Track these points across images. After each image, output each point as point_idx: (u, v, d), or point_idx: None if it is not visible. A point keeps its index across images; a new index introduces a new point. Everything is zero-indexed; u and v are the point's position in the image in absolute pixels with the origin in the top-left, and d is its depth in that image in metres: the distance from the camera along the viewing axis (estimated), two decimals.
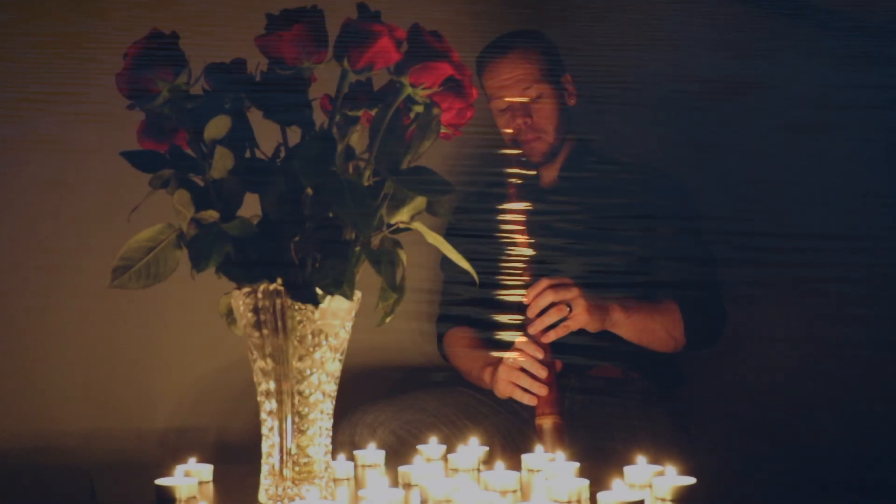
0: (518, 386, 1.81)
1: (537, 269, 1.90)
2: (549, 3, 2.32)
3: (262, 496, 1.29)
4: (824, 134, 2.15)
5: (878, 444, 2.09)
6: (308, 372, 1.27)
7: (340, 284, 1.21)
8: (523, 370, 1.80)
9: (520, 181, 1.96)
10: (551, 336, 1.80)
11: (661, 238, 1.98)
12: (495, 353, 1.89)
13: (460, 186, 2.11)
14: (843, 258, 2.11)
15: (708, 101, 2.21)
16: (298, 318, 1.25)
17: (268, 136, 1.28)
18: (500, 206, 1.94)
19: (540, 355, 1.81)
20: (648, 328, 1.90)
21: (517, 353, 1.82)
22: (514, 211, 1.94)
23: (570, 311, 1.80)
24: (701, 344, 1.97)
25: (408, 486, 1.43)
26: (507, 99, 2.02)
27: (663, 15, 2.22)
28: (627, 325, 1.87)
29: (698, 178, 2.10)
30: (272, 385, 1.27)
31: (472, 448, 1.60)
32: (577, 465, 1.47)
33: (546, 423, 1.76)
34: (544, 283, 1.81)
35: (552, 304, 1.80)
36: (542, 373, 1.79)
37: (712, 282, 1.98)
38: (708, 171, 2.18)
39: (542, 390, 1.79)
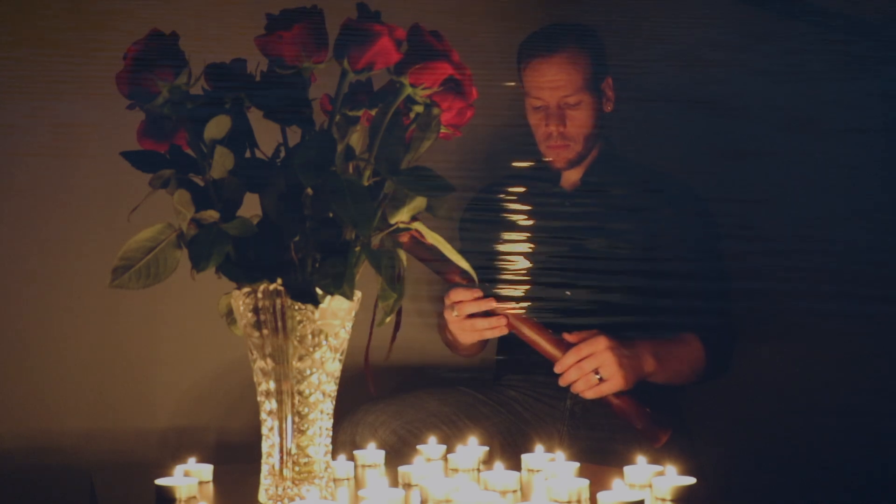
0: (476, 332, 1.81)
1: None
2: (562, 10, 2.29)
3: (262, 496, 1.29)
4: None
5: (878, 444, 2.09)
6: (308, 372, 1.27)
7: (340, 284, 1.21)
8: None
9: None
10: (589, 395, 1.75)
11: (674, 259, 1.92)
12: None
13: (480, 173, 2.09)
14: (841, 254, 2.11)
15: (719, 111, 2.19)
16: (298, 318, 1.25)
17: (268, 136, 1.28)
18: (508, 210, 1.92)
19: (480, 294, 1.80)
20: (678, 371, 1.87)
21: (458, 305, 1.81)
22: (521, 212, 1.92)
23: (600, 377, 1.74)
24: (719, 376, 1.95)
25: (408, 486, 1.43)
26: (540, 104, 1.95)
27: (675, 23, 2.19)
28: (660, 374, 1.82)
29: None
30: (272, 385, 1.27)
31: (472, 448, 1.60)
32: (577, 465, 1.47)
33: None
34: (571, 358, 1.74)
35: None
36: (491, 304, 1.79)
37: (726, 309, 1.94)
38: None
39: (489, 304, 1.79)
